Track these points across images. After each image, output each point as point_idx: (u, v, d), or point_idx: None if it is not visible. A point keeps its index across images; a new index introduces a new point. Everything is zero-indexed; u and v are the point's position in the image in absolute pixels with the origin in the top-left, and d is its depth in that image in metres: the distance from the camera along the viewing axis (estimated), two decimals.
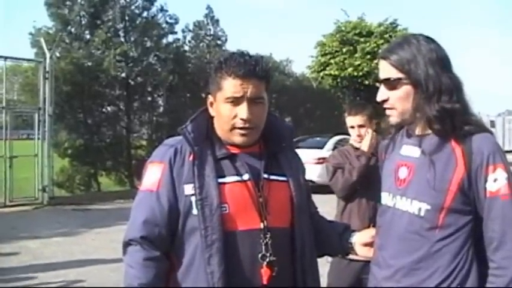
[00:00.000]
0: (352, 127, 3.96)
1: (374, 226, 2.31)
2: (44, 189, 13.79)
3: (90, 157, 16.42)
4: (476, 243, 1.94)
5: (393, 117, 2.07)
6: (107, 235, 9.43)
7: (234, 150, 2.10)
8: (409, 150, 2.07)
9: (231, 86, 2.03)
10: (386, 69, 2.05)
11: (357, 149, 3.99)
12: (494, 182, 1.88)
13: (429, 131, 2.01)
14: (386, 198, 2.13)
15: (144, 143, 18.66)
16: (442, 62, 2.00)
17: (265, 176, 2.09)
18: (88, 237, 9.66)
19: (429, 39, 2.05)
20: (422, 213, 1.96)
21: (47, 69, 13.82)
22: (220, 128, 2.11)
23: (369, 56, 24.08)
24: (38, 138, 14.00)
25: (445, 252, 1.93)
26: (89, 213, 12.61)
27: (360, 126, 3.92)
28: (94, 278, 6.91)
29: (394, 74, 2.02)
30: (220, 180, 2.02)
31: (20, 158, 13.85)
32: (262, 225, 2.01)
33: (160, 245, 2.01)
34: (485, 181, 1.89)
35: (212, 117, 2.15)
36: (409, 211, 2.00)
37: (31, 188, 13.97)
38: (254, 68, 2.03)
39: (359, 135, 3.92)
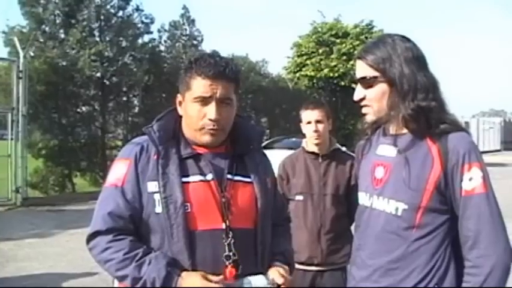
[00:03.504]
0: (309, 122, 3.71)
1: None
2: (17, 190, 13.58)
3: (64, 157, 16.27)
4: (453, 243, 1.96)
5: (369, 116, 2.08)
6: (82, 236, 9.02)
7: (200, 151, 2.11)
8: (385, 150, 2.08)
9: (200, 85, 2.03)
10: (362, 69, 2.06)
11: (309, 152, 3.80)
12: (470, 180, 1.89)
13: (405, 130, 2.02)
14: (363, 198, 2.13)
15: (119, 143, 18.50)
16: (417, 60, 2.01)
17: (229, 176, 2.09)
18: (62, 239, 9.52)
19: (405, 39, 2.06)
20: (399, 213, 1.96)
21: (21, 68, 13.62)
22: (188, 128, 2.11)
23: (344, 57, 24.31)
24: (12, 139, 13.78)
25: (423, 252, 1.93)
26: (63, 214, 12.43)
27: (318, 121, 3.69)
28: (68, 280, 6.82)
29: (370, 72, 2.03)
30: (184, 179, 2.03)
31: None
32: (224, 225, 2.01)
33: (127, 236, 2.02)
34: (461, 180, 1.89)
35: (180, 117, 2.16)
36: (386, 211, 2.00)
37: (4, 189, 13.74)
38: (224, 69, 2.04)
39: (316, 131, 3.67)
